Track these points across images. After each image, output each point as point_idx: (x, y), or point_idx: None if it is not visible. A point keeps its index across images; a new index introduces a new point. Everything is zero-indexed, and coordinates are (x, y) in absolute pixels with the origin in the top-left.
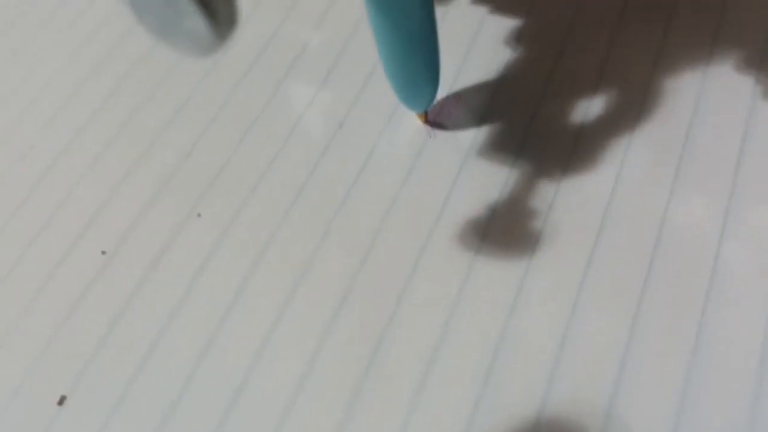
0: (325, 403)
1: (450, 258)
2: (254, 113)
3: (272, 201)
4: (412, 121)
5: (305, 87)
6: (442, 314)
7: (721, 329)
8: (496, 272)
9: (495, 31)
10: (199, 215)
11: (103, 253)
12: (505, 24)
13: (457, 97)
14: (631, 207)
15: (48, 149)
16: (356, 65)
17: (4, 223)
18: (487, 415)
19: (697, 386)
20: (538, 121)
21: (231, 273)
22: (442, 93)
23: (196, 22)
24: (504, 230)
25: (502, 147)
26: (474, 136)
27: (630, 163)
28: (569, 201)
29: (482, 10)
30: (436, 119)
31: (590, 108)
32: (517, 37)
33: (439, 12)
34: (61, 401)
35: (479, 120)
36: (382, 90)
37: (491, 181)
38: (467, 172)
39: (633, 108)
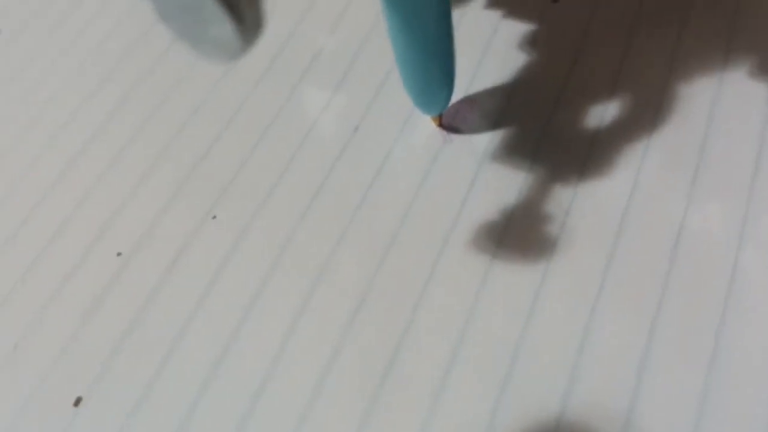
0: (342, 409)
1: (466, 263)
2: (270, 116)
3: (288, 204)
4: (427, 125)
5: (320, 90)
6: (459, 319)
7: (739, 335)
8: (513, 277)
9: (509, 36)
10: (214, 217)
11: (119, 254)
12: (520, 28)
13: (471, 101)
14: (648, 212)
15: (64, 151)
16: (371, 69)
17: (21, 226)
18: (506, 422)
19: (716, 393)
20: (553, 125)
21: (247, 276)
22: (456, 97)
23: (223, 28)
24: (520, 235)
25: (518, 151)
26: (489, 140)
27: (646, 168)
28: (585, 206)
29: (496, 15)
30: (450, 123)
31: (605, 113)
32: (532, 42)
33: (455, 16)
34: (77, 402)
35: (494, 124)
36: (398, 94)
37: (507, 185)
38: (482, 176)
39: (648, 113)
